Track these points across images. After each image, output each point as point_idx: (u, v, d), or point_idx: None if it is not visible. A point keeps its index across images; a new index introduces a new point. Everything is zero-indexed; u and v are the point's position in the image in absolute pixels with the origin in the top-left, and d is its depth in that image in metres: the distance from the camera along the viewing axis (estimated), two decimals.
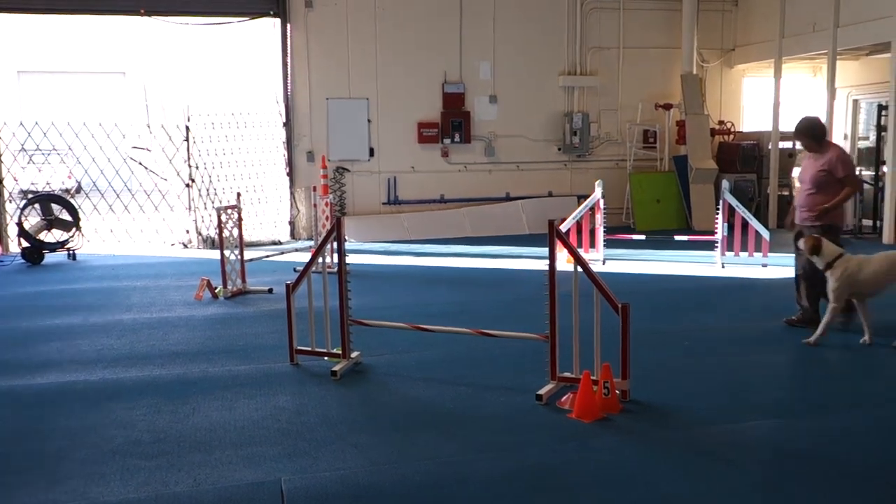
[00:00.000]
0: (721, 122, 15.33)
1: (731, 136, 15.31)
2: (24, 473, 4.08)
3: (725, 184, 10.17)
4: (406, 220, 13.92)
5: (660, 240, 11.64)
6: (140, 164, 12.94)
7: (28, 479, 4.02)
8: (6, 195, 12.71)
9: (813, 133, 6.79)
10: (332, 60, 13.73)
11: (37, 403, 5.18)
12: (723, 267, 10.01)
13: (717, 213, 10.17)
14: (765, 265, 9.90)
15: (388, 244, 12.94)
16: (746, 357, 6.16)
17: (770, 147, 14.46)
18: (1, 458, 4.29)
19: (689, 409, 4.96)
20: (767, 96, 14.81)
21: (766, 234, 9.91)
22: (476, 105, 14.39)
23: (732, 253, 10.12)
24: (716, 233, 10.18)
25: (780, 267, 9.91)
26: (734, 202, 9.99)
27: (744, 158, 14.70)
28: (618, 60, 14.91)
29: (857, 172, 6.54)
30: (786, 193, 14.69)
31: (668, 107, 14.82)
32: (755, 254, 10.01)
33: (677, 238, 11.43)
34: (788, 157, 14.69)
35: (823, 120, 10.27)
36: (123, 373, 5.84)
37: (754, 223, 9.97)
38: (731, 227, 10.10)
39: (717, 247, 10.14)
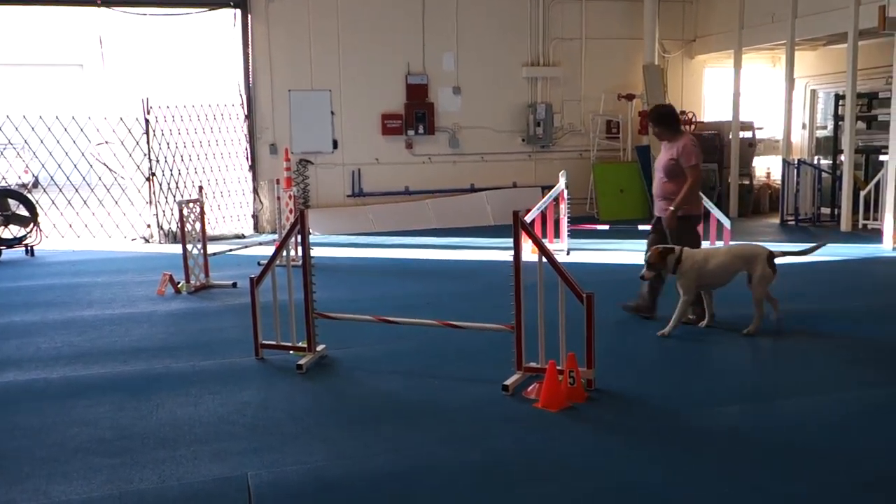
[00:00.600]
0: (682, 112, 15.48)
1: (693, 126, 15.48)
2: None
3: None
4: (371, 213, 13.88)
5: (623, 229, 11.75)
6: (105, 165, 12.72)
7: None
8: None
9: (665, 121, 6.74)
10: (293, 52, 13.61)
11: None
12: None
13: None
14: None
15: (353, 237, 12.89)
16: (709, 345, 6.25)
17: (731, 137, 14.65)
18: None
19: (654, 398, 5.03)
20: (728, 87, 15.00)
21: (727, 222, 10.03)
22: (440, 96, 14.38)
23: None
24: None
25: None
26: None
27: (705, 148, 14.79)
28: (580, 51, 14.99)
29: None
30: (746, 183, 14.92)
31: (630, 97, 14.94)
32: (717, 242, 10.13)
33: (641, 227, 11.51)
34: (749, 147, 14.94)
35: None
36: (85, 370, 5.75)
37: (716, 212, 10.09)
38: None
39: None
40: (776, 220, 13.81)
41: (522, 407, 4.86)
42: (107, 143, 12.73)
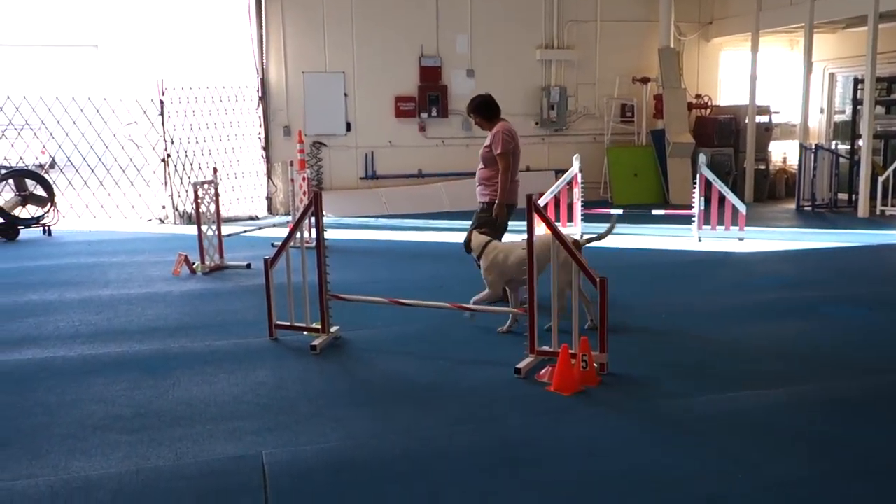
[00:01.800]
0: (698, 96, 15.39)
1: (708, 110, 15.38)
2: (4, 448, 4.08)
3: (702, 158, 10.24)
4: (384, 195, 13.90)
5: (637, 214, 11.71)
6: (135, 143, 12.80)
7: (9, 453, 4.01)
8: None
9: (479, 110, 6.77)
10: (307, 34, 13.59)
11: (15, 379, 5.16)
12: (700, 241, 10.11)
13: (694, 187, 10.25)
14: (741, 239, 10.01)
15: (366, 219, 12.92)
16: (722, 330, 6.24)
17: (747, 121, 14.55)
18: None
19: (666, 382, 5.04)
20: (744, 70, 14.88)
21: (742, 207, 10.00)
22: (453, 79, 14.33)
23: (709, 227, 10.21)
24: (693, 207, 10.27)
25: (757, 240, 10.06)
26: (711, 176, 10.07)
27: (721, 132, 14.78)
28: (595, 34, 14.89)
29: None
30: (762, 167, 14.82)
31: (645, 81, 14.85)
32: (732, 227, 10.11)
33: (654, 212, 11.51)
34: (765, 132, 14.82)
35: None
36: (102, 348, 5.83)
37: (731, 197, 10.06)
38: (707, 201, 10.18)
39: (693, 220, 10.23)
40: (792, 206, 13.74)
41: (535, 390, 4.89)
42: (136, 122, 12.82)
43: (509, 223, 6.91)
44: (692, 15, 15.40)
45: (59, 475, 3.78)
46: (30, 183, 11.64)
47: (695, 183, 10.27)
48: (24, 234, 11.46)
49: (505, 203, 6.72)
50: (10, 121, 12.56)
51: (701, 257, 9.36)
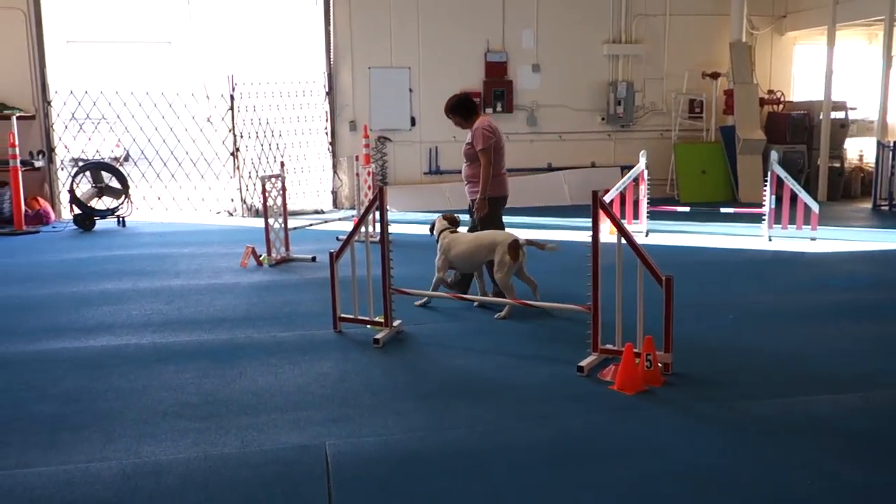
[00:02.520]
0: (770, 92, 14.98)
1: (781, 106, 14.96)
2: (80, 431, 4.23)
3: (774, 155, 9.97)
4: (447, 191, 13.92)
5: (705, 212, 11.48)
6: (211, 123, 13.15)
7: (84, 436, 4.17)
8: (58, 163, 13.01)
9: (455, 110, 6.86)
10: (374, 29, 13.70)
11: (91, 365, 5.35)
12: (770, 240, 9.85)
13: (765, 185, 9.98)
14: (813, 239, 9.71)
15: (430, 214, 12.94)
16: (793, 331, 6.07)
17: (821, 117, 14.09)
18: (58, 416, 4.45)
19: (733, 383, 4.93)
20: (820, 65, 14.40)
21: (815, 206, 9.71)
22: (518, 74, 14.26)
23: (780, 226, 9.94)
24: (763, 205, 10.00)
25: (830, 241, 9.74)
26: (783, 174, 9.80)
27: (794, 129, 14.34)
28: (664, 28, 14.62)
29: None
30: (837, 165, 14.35)
31: (715, 76, 14.52)
32: (804, 227, 9.82)
33: (723, 210, 11.25)
34: (841, 128, 14.33)
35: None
36: (172, 337, 5.99)
37: (803, 195, 9.77)
38: (779, 200, 9.90)
39: (764, 219, 9.97)
40: (868, 206, 13.26)
41: (597, 388, 4.84)
42: (209, 119, 13.17)
43: (503, 216, 7.07)
44: (765, 8, 14.98)
45: (130, 459, 3.90)
46: (106, 175, 12.03)
47: (765, 181, 10.00)
48: (100, 224, 11.87)
49: (488, 198, 6.79)
50: (88, 115, 13.02)
51: (771, 257, 9.12)
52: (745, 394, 4.75)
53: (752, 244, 9.77)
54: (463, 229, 6.97)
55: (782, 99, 14.95)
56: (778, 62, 15.32)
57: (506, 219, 7.16)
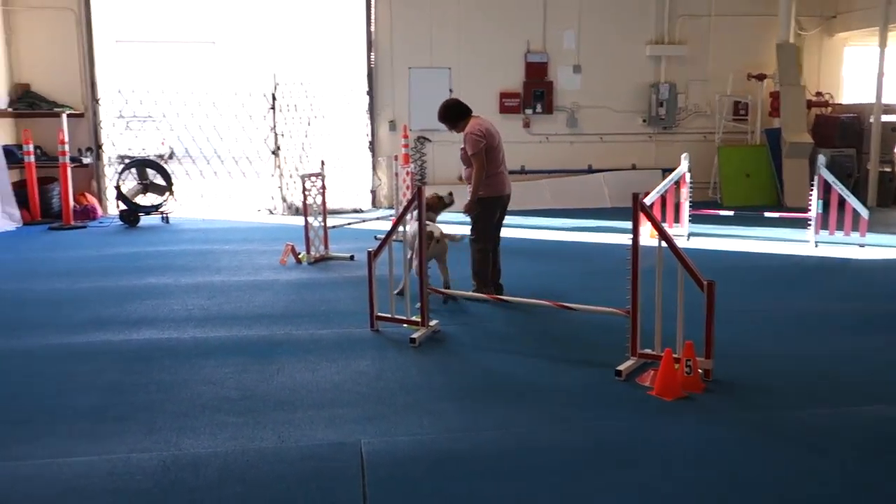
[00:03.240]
0: (818, 94, 14.68)
1: (829, 109, 14.65)
2: (122, 422, 4.31)
3: (821, 158, 9.76)
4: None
5: (748, 216, 11.29)
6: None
7: (125, 427, 4.24)
8: (105, 160, 13.28)
9: (444, 116, 6.98)
10: (414, 29, 13.73)
11: (133, 358, 5.44)
12: (816, 246, 9.65)
13: (812, 190, 9.78)
14: (862, 245, 9.48)
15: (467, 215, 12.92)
16: (838, 340, 5.94)
17: (872, 120, 13.76)
18: (101, 408, 4.53)
19: (775, 392, 4.83)
20: (871, 67, 14.07)
21: (864, 212, 9.47)
22: (559, 75, 14.19)
23: (827, 232, 9.73)
24: (809, 210, 9.80)
25: (880, 248, 9.51)
26: (830, 178, 9.59)
27: (843, 132, 14.03)
28: (708, 29, 14.42)
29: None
30: (888, 170, 14.00)
31: (761, 77, 14.28)
32: (852, 233, 9.59)
33: (767, 215, 11.05)
34: (892, 132, 13.97)
35: None
36: (212, 332, 6.07)
37: (852, 201, 9.54)
38: (826, 205, 9.70)
39: (810, 225, 9.77)
40: None
41: (636, 393, 4.78)
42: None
43: (505, 215, 7.27)
44: (814, 8, 14.68)
45: (170, 451, 3.96)
46: (150, 172, 12.24)
47: (812, 185, 9.79)
48: (144, 220, 12.08)
49: (482, 198, 6.89)
50: (135, 113, 13.27)
51: (817, 263, 8.92)
52: (788, 403, 4.65)
53: (798, 250, 9.58)
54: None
55: (831, 101, 14.64)
56: (827, 64, 15.01)
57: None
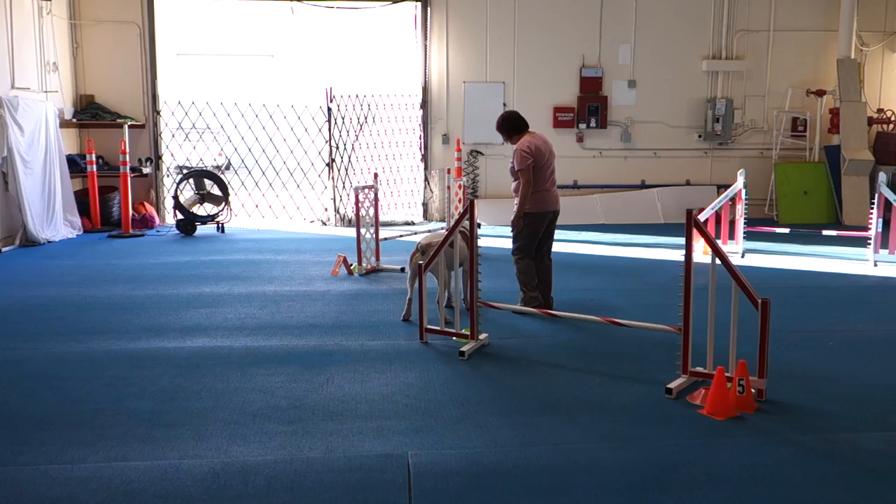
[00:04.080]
0: (880, 111, 14.30)
1: (891, 126, 14.26)
2: (174, 428, 4.40)
3: (882, 176, 9.51)
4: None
5: (806, 234, 11.04)
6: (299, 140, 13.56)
7: (178, 433, 4.33)
8: (164, 170, 13.63)
9: (501, 127, 7.11)
10: (470, 44, 13.81)
11: (187, 365, 5.56)
12: (875, 265, 9.38)
13: (872, 208, 9.52)
14: None
15: None
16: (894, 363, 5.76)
17: None
18: (155, 413, 4.64)
19: (831, 414, 4.71)
20: None
21: None
22: (614, 90, 14.10)
23: (887, 251, 9.46)
24: (869, 228, 9.54)
25: None
26: (891, 196, 9.32)
27: None
28: (767, 44, 14.18)
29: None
30: None
31: (820, 93, 13.98)
32: (881, 251, 9.30)
33: (825, 233, 10.79)
34: None
35: None
36: (264, 341, 6.16)
37: None
38: (886, 223, 9.44)
39: (869, 243, 9.51)
40: None
41: (686, 412, 4.70)
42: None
43: (554, 230, 7.40)
44: (877, 24, 14.33)
45: (220, 458, 4.03)
46: (207, 183, 12.51)
47: (872, 203, 9.54)
48: (200, 230, 12.35)
49: (528, 213, 6.98)
50: (194, 124, 13.59)
51: (876, 283, 8.67)
52: (844, 425, 4.53)
53: (856, 269, 9.33)
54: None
55: (893, 118, 14.25)
56: (889, 80, 14.63)
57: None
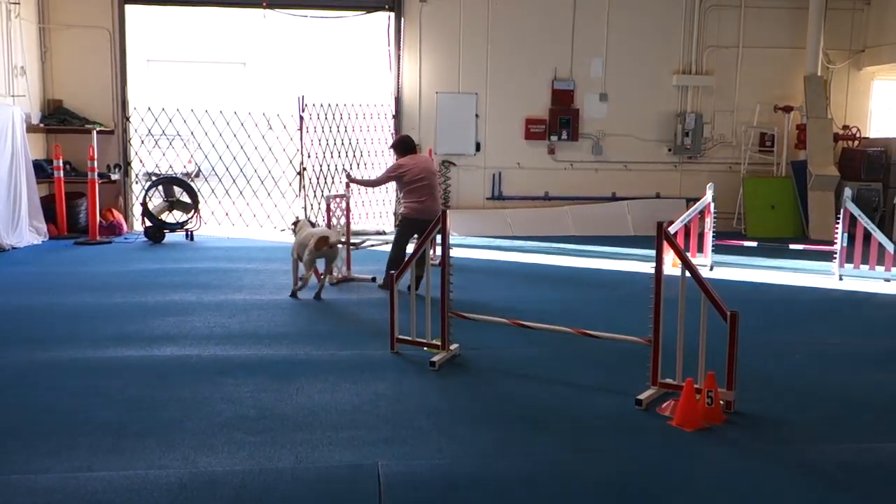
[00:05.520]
0: (846, 127, 14.59)
1: (857, 142, 14.55)
2: (141, 438, 4.33)
3: (847, 192, 9.69)
4: (509, 216, 13.91)
5: (773, 247, 11.20)
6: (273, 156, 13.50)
7: (145, 443, 4.26)
8: (133, 177, 13.46)
9: (394, 148, 8.81)
10: (443, 55, 13.85)
11: (155, 374, 5.48)
12: (841, 279, 9.54)
13: (837, 223, 9.70)
14: (888, 280, 9.37)
15: (491, 239, 12.96)
16: (862, 375, 5.85)
17: None
18: (120, 423, 4.56)
19: (797, 425, 4.77)
20: None
21: (890, 247, 9.36)
22: (585, 102, 14.22)
23: (852, 265, 9.63)
24: (835, 243, 9.71)
25: None
26: (856, 211, 9.50)
27: (869, 166, 13.91)
28: (736, 60, 14.41)
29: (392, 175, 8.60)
30: None
31: (788, 109, 14.23)
32: (877, 267, 9.49)
33: (792, 247, 10.96)
34: None
35: None
36: (233, 350, 6.10)
37: (878, 235, 9.44)
38: (851, 238, 9.61)
39: (835, 258, 9.67)
40: None
41: (656, 423, 4.74)
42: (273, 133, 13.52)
43: (413, 235, 8.39)
44: (843, 42, 14.63)
45: (188, 468, 3.97)
46: (177, 190, 12.39)
47: (838, 218, 9.71)
48: (169, 237, 12.20)
49: (403, 216, 8.47)
50: (164, 131, 13.46)
51: (841, 297, 8.82)
52: (809, 437, 4.59)
53: (822, 283, 9.48)
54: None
55: (858, 135, 14.55)
56: (854, 97, 14.94)
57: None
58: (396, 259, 8.08)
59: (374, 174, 13.82)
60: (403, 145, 8.71)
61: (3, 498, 3.64)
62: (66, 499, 3.63)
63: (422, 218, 8.15)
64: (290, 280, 8.52)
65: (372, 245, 11.86)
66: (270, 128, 13.52)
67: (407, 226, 8.43)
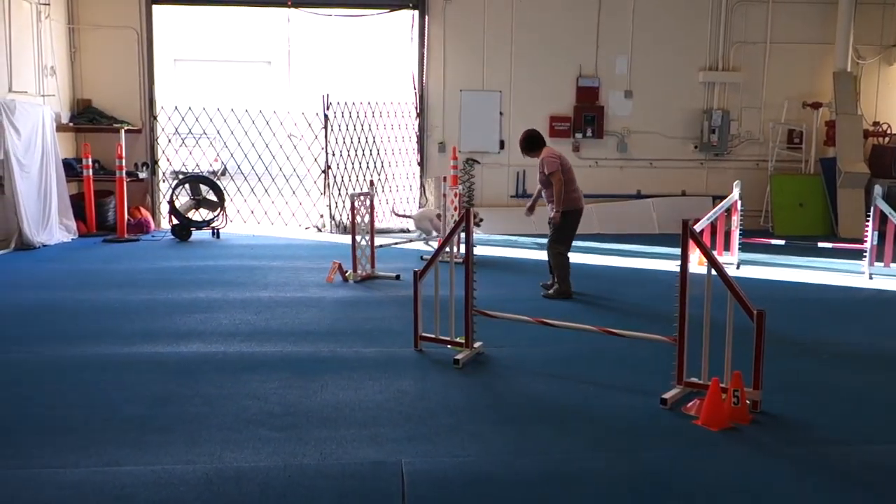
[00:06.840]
0: (876, 124, 14.36)
1: (888, 139, 14.32)
2: (167, 434, 4.38)
3: (878, 189, 9.53)
4: (533, 215, 13.83)
5: (801, 246, 11.06)
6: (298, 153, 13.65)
7: (170, 439, 4.31)
8: (160, 175, 13.61)
9: (522, 145, 8.23)
10: (467, 53, 13.84)
11: (181, 370, 5.53)
12: (871, 278, 9.40)
13: (868, 221, 9.55)
14: None
15: (515, 237, 12.93)
16: (891, 376, 5.76)
17: None
18: (147, 419, 4.61)
19: (825, 426, 4.71)
20: None
21: None
22: (610, 100, 14.14)
23: (882, 264, 9.48)
24: (865, 241, 9.57)
25: None
26: (887, 209, 9.35)
27: None
28: (764, 56, 14.24)
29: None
30: None
31: (816, 106, 14.04)
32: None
33: (821, 245, 10.81)
34: None
35: None
36: (258, 347, 6.14)
37: None
38: (882, 236, 9.46)
39: (865, 256, 9.53)
40: None
41: (681, 422, 4.70)
42: (299, 137, 13.63)
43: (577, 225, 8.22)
44: (874, 37, 14.40)
45: (213, 464, 4.00)
46: (203, 188, 12.49)
47: (868, 216, 9.57)
48: (196, 235, 12.32)
49: (562, 211, 7.95)
50: (190, 130, 13.59)
51: (871, 296, 8.69)
52: (837, 438, 4.53)
53: (851, 281, 9.35)
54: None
55: (889, 131, 14.31)
56: (885, 93, 14.69)
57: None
58: (567, 264, 8.11)
59: (398, 172, 13.90)
60: (534, 140, 8.17)
61: (32, 492, 3.70)
62: (94, 492, 3.68)
63: (581, 207, 8.21)
64: (314, 278, 8.56)
65: (396, 243, 11.89)
66: (290, 135, 13.61)
67: (574, 218, 8.10)
